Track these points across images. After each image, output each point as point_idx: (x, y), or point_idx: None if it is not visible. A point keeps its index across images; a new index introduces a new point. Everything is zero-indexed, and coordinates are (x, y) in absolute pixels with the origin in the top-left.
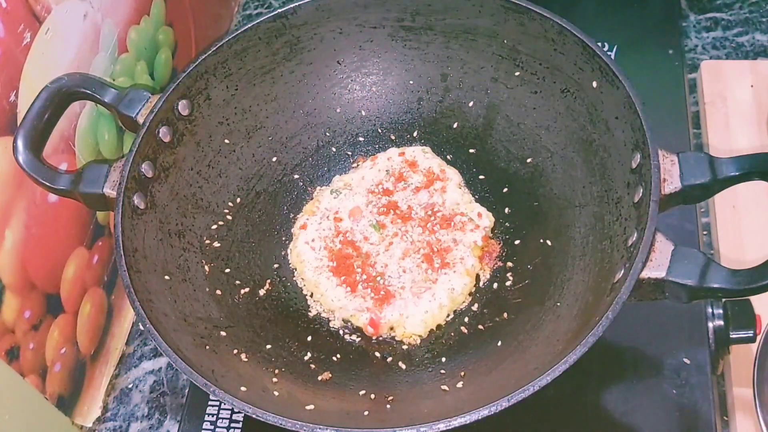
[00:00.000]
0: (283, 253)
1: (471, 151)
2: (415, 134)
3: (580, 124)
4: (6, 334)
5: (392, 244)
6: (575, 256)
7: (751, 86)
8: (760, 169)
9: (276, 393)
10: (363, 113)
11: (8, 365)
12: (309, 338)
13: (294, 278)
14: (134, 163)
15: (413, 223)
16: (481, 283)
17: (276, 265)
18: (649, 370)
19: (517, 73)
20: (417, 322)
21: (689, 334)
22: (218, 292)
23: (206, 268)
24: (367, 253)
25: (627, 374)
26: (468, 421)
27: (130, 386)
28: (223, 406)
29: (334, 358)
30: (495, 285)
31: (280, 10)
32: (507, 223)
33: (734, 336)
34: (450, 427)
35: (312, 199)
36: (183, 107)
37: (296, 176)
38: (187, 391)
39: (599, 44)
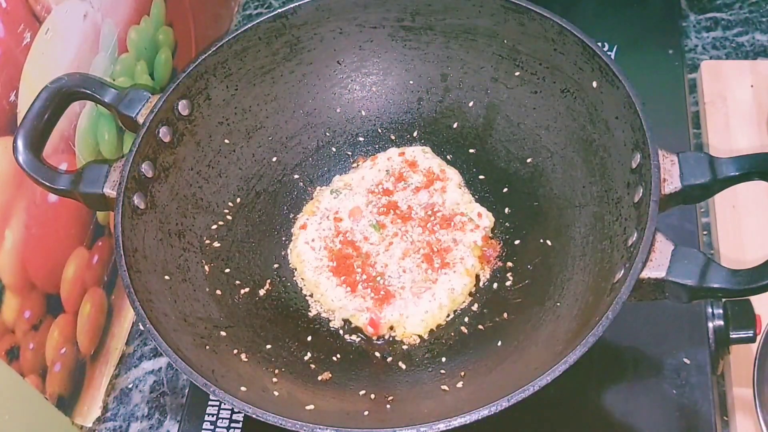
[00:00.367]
0: (283, 253)
1: (471, 151)
2: (415, 134)
3: (580, 124)
4: (6, 334)
5: (392, 244)
6: (575, 256)
7: (751, 86)
8: (760, 169)
9: (276, 393)
10: (363, 113)
11: (8, 365)
12: (309, 338)
13: (294, 278)
14: (134, 163)
15: (413, 223)
16: (481, 283)
17: (276, 265)
18: (649, 370)
19: (517, 73)
20: (417, 322)
21: (689, 334)
22: (218, 292)
23: (206, 268)
24: (367, 253)
25: (627, 374)
26: (468, 421)
27: (130, 386)
28: (223, 406)
29: (334, 358)
30: (495, 285)
31: (280, 10)
32: (507, 223)
33: (734, 336)
34: (450, 427)
35: (312, 199)
36: (183, 107)
37: (296, 176)
38: (187, 391)
39: (599, 44)
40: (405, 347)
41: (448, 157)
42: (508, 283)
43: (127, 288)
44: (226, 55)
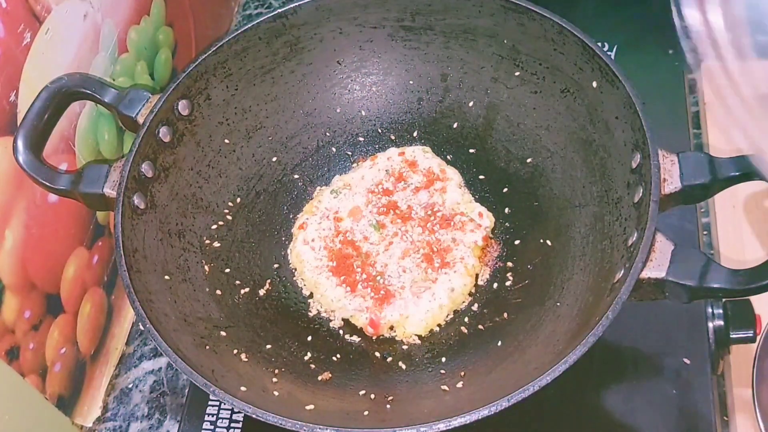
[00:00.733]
0: (283, 253)
1: (471, 151)
2: (415, 134)
3: (580, 124)
4: (6, 334)
5: (392, 243)
6: (575, 256)
7: None
8: None
9: (276, 393)
10: (363, 113)
11: (8, 365)
12: (309, 338)
13: (294, 278)
14: (134, 163)
15: (413, 223)
16: (481, 283)
17: (276, 265)
18: (649, 371)
19: (517, 73)
20: (417, 322)
21: (689, 334)
22: (218, 292)
23: (206, 268)
24: (367, 253)
25: (627, 374)
26: (468, 421)
27: (130, 386)
28: (223, 406)
29: (334, 358)
30: (495, 285)
31: (280, 10)
32: (507, 223)
33: (734, 336)
34: (450, 427)
35: (312, 199)
36: (183, 107)
37: (296, 176)
38: (187, 391)
39: (599, 44)
40: (405, 347)
41: (448, 157)
42: (508, 283)
43: (127, 288)
44: (226, 55)
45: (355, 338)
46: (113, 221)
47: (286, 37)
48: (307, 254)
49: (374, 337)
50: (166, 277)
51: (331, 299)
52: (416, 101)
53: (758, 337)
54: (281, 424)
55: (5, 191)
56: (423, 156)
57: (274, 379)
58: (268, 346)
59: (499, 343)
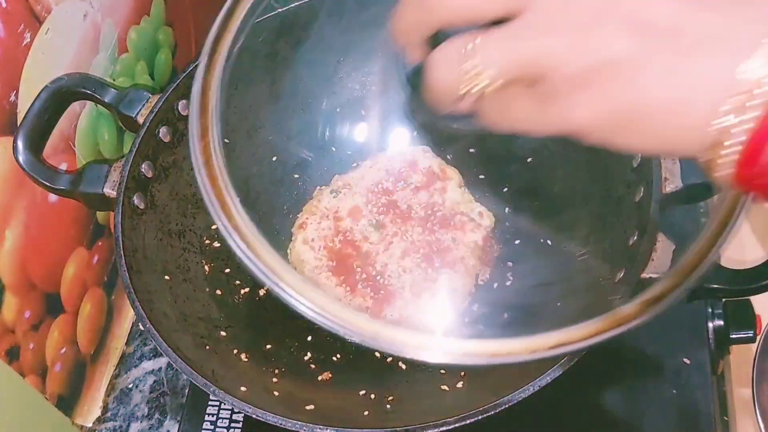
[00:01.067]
0: (282, 253)
1: (471, 151)
2: (415, 134)
3: None
4: (6, 334)
5: (392, 243)
6: (576, 256)
7: None
8: None
9: (276, 393)
10: (363, 113)
11: (8, 365)
12: (309, 338)
13: None
14: (134, 163)
15: (413, 222)
16: (481, 283)
17: None
18: (650, 370)
19: None
20: (417, 322)
21: (689, 334)
22: (218, 292)
23: (206, 268)
24: (366, 253)
25: (627, 374)
26: (468, 421)
27: (130, 386)
28: (223, 406)
29: (334, 358)
30: (495, 285)
31: (280, 10)
32: (507, 223)
33: (734, 336)
34: (450, 428)
35: (312, 198)
36: (183, 107)
37: (296, 176)
38: (187, 391)
39: None
40: None
41: (448, 157)
42: (508, 283)
43: (127, 288)
44: None
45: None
46: (113, 221)
47: (286, 37)
48: (307, 254)
49: None
50: (166, 277)
51: None
52: None
53: (758, 337)
54: (281, 424)
55: (5, 191)
56: (423, 156)
57: (274, 379)
58: (268, 346)
59: None
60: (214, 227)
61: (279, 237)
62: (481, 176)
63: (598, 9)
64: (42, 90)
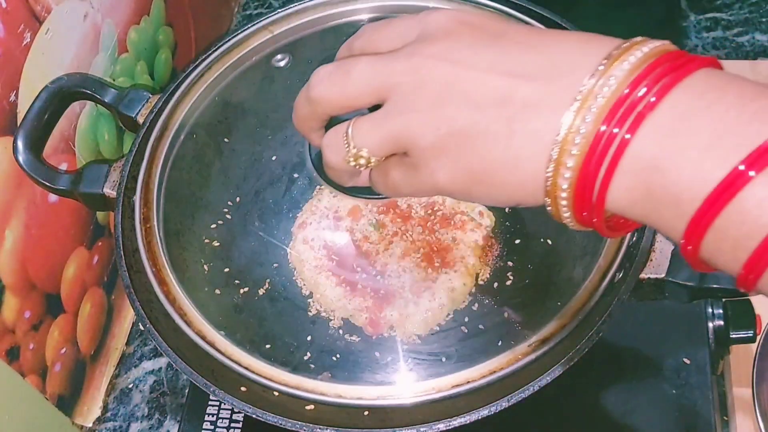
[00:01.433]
0: (282, 253)
1: None
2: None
3: None
4: (6, 334)
5: (392, 243)
6: (576, 255)
7: None
8: None
9: (276, 393)
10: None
11: (8, 365)
12: (309, 338)
13: (293, 278)
14: (134, 163)
15: (413, 222)
16: (481, 283)
17: (275, 265)
18: (649, 370)
19: None
20: (417, 322)
21: (689, 334)
22: (217, 291)
23: (205, 267)
24: (366, 253)
25: (627, 374)
26: (468, 421)
27: (130, 386)
28: (223, 406)
29: (334, 358)
30: (495, 284)
31: (280, 10)
32: (507, 223)
33: (734, 336)
34: (450, 427)
35: (312, 198)
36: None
37: (296, 175)
38: (187, 391)
39: None
40: (405, 347)
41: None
42: (508, 283)
43: (127, 288)
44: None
45: (355, 338)
46: (113, 221)
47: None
48: (307, 254)
49: (374, 337)
50: None
51: (331, 299)
52: None
53: (758, 337)
54: (281, 424)
55: (5, 191)
56: None
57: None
58: (268, 346)
59: (500, 343)
60: (213, 226)
61: (279, 236)
62: None
63: (442, 90)
64: (42, 90)
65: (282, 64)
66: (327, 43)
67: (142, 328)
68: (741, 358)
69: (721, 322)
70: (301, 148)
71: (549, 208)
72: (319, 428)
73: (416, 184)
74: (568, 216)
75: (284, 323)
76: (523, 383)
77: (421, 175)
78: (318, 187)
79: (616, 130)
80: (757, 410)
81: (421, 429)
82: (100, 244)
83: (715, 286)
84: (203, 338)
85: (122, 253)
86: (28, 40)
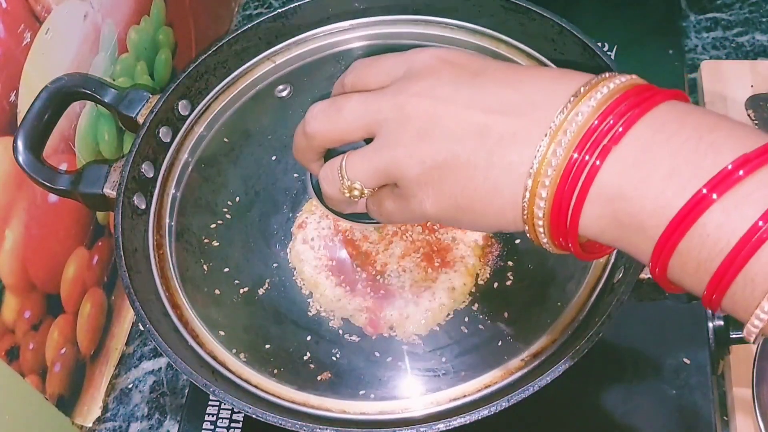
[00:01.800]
0: (282, 253)
1: None
2: None
3: None
4: (6, 334)
5: (392, 243)
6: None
7: (751, 86)
8: None
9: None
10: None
11: (8, 365)
12: (308, 338)
13: (293, 277)
14: (134, 163)
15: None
16: (481, 283)
17: (275, 265)
18: (649, 370)
19: None
20: (417, 322)
21: (689, 334)
22: (217, 291)
23: (205, 267)
24: (366, 253)
25: (627, 374)
26: (468, 421)
27: (130, 386)
28: (223, 406)
29: (334, 358)
30: (495, 284)
31: (280, 10)
32: None
33: (734, 336)
34: (450, 427)
35: (311, 198)
36: (183, 107)
37: (296, 175)
38: (187, 391)
39: (599, 44)
40: (405, 347)
41: None
42: (508, 283)
43: (127, 288)
44: (226, 55)
45: (355, 338)
46: (113, 221)
47: (287, 37)
48: (307, 253)
49: (374, 337)
50: None
51: (331, 299)
52: None
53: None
54: (281, 424)
55: (5, 191)
56: None
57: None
58: (267, 346)
59: (500, 343)
60: (213, 226)
61: (279, 236)
62: None
63: (425, 125)
64: (42, 90)
65: (284, 94)
66: (326, 71)
67: (142, 328)
68: (741, 358)
69: (721, 322)
70: None
71: (528, 235)
72: (319, 428)
73: (407, 212)
74: (546, 242)
75: (284, 323)
76: (523, 383)
77: (411, 204)
78: None
79: (587, 158)
80: (757, 410)
81: (421, 429)
82: (100, 244)
83: None
84: (202, 347)
85: (122, 253)
86: (28, 40)
